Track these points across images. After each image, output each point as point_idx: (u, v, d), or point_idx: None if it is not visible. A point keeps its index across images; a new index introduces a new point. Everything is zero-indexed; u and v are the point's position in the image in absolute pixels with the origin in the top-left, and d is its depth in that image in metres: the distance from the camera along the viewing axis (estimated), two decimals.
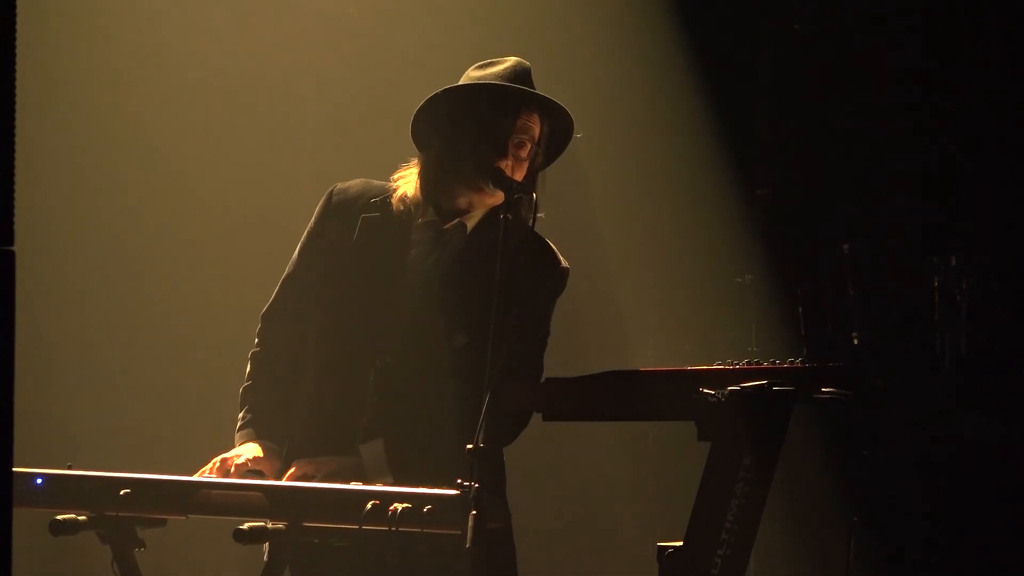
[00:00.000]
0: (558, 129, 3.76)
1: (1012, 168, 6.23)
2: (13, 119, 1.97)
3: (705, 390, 3.18)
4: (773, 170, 6.52)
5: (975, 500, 5.85)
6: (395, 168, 3.86)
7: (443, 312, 3.65)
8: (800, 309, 6.29)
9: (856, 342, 6.09)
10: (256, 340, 3.87)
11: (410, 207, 3.75)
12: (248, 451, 3.68)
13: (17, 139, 1.98)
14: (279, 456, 3.73)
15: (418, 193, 3.75)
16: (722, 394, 3.17)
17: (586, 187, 6.12)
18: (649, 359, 6.38)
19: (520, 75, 3.71)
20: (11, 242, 1.95)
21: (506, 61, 3.74)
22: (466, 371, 3.50)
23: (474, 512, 3.03)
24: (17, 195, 1.97)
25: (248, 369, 3.85)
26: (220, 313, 5.94)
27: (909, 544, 5.91)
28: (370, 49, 6.22)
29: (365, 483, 3.32)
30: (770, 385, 3.20)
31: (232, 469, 3.60)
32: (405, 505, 3.16)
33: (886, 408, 5.95)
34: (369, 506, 3.17)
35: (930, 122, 6.32)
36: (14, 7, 1.97)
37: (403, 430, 3.61)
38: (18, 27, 1.98)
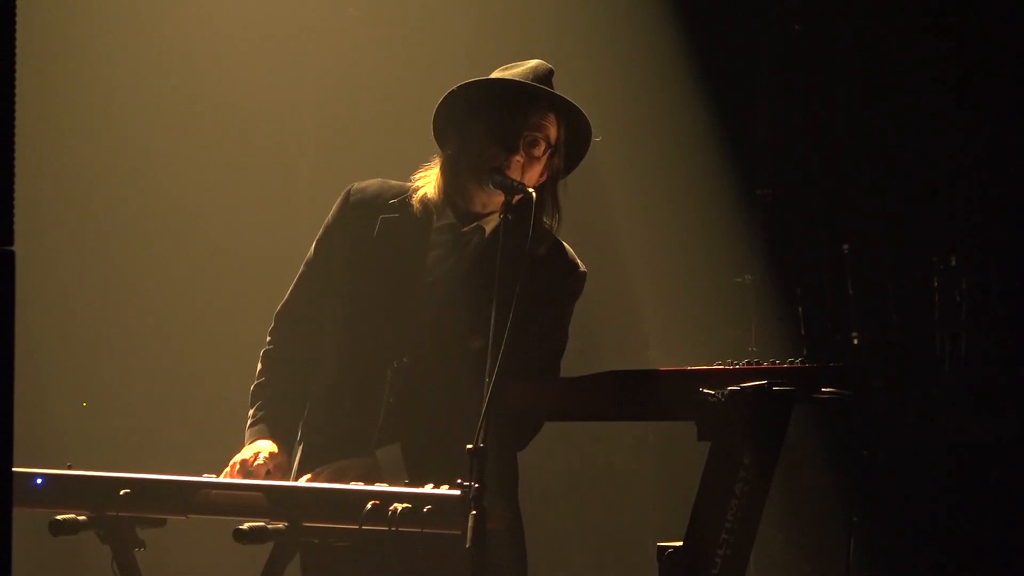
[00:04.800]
0: (576, 135, 3.74)
1: (1012, 168, 6.23)
2: (13, 119, 1.97)
3: (705, 390, 3.18)
4: (773, 170, 6.52)
5: (975, 500, 5.85)
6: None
7: (461, 315, 3.64)
8: (800, 309, 6.29)
9: (856, 342, 6.09)
10: (268, 339, 3.86)
11: (429, 208, 3.74)
12: (263, 448, 3.68)
13: (17, 139, 1.98)
14: (291, 454, 3.73)
15: (437, 194, 3.74)
16: (722, 394, 3.17)
17: (584, 187, 6.12)
18: (649, 359, 6.38)
19: (540, 76, 3.70)
20: (11, 242, 1.95)
21: (529, 63, 3.74)
22: (483, 374, 3.49)
23: (474, 512, 3.03)
24: (17, 195, 1.97)
25: (259, 367, 3.84)
26: (221, 313, 5.94)
27: (909, 544, 5.91)
28: (370, 50, 6.22)
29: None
30: (770, 385, 3.21)
31: (252, 471, 3.60)
32: (405, 505, 3.16)
33: (886, 408, 5.95)
34: (369, 506, 3.18)
35: (930, 122, 6.32)
36: (14, 7, 1.97)
37: (419, 432, 3.61)
38: (18, 27, 1.98)
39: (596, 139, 3.83)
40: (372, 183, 3.83)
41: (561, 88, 3.74)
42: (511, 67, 3.75)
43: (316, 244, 3.84)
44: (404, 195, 3.77)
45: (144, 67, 6.05)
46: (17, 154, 1.97)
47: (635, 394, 3.28)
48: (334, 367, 3.73)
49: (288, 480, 3.65)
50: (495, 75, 3.75)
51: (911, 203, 6.32)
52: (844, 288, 6.17)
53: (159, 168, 6.09)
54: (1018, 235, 6.14)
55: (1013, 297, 6.06)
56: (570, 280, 3.78)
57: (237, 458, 3.65)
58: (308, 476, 3.62)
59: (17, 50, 1.98)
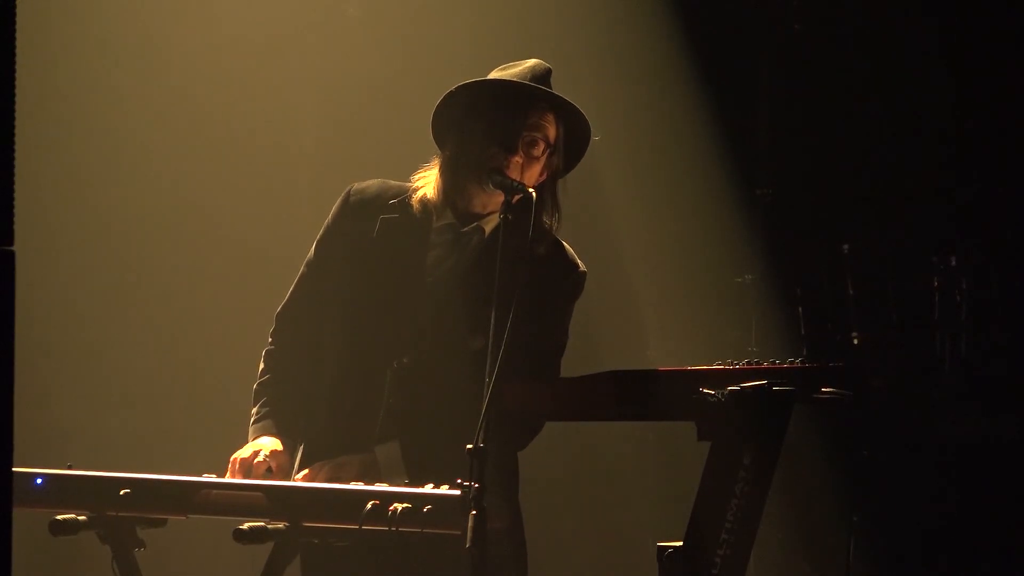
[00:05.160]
0: (575, 134, 3.74)
1: (1012, 168, 6.23)
2: (13, 119, 1.97)
3: (705, 390, 3.19)
4: (773, 170, 6.52)
5: (975, 500, 5.85)
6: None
7: (460, 315, 3.64)
8: (800, 309, 6.29)
9: (856, 342, 6.09)
10: (270, 339, 3.87)
11: (429, 208, 3.74)
12: (265, 445, 3.68)
13: (17, 139, 1.98)
14: (294, 452, 3.74)
15: (436, 194, 3.74)
16: (722, 394, 3.18)
17: (584, 187, 6.12)
18: (649, 359, 6.38)
19: (538, 75, 3.71)
20: (11, 242, 1.95)
21: (527, 62, 3.75)
22: (483, 374, 3.49)
23: (474, 512, 3.03)
24: (17, 195, 1.97)
25: (261, 367, 3.85)
26: (221, 314, 5.94)
27: (909, 544, 5.91)
28: (370, 50, 6.22)
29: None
30: (770, 385, 3.21)
31: (252, 469, 3.60)
32: (405, 505, 3.16)
33: (886, 408, 5.95)
34: (369, 506, 3.18)
35: (930, 122, 6.32)
36: (14, 8, 1.97)
37: (419, 432, 3.61)
38: (19, 27, 1.98)
39: (596, 138, 3.83)
40: (372, 183, 3.84)
41: (561, 88, 3.74)
42: (509, 67, 3.75)
43: (316, 245, 3.84)
44: (404, 195, 3.77)
45: (144, 67, 6.04)
46: (17, 154, 1.97)
47: (635, 394, 3.28)
48: (334, 367, 3.73)
49: (290, 479, 3.65)
50: (493, 75, 3.75)
51: (911, 203, 6.33)
52: (844, 288, 6.17)
53: (159, 168, 6.09)
54: (1018, 235, 6.14)
55: (1013, 297, 6.06)
56: (570, 280, 3.78)
57: (237, 455, 3.65)
58: (306, 472, 3.62)
59: (17, 50, 1.98)
